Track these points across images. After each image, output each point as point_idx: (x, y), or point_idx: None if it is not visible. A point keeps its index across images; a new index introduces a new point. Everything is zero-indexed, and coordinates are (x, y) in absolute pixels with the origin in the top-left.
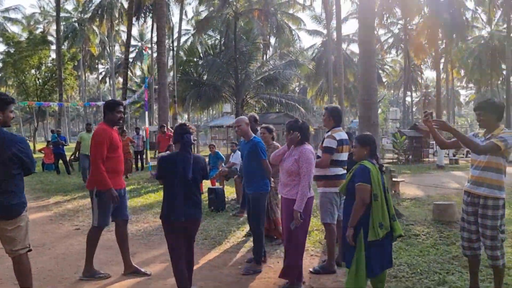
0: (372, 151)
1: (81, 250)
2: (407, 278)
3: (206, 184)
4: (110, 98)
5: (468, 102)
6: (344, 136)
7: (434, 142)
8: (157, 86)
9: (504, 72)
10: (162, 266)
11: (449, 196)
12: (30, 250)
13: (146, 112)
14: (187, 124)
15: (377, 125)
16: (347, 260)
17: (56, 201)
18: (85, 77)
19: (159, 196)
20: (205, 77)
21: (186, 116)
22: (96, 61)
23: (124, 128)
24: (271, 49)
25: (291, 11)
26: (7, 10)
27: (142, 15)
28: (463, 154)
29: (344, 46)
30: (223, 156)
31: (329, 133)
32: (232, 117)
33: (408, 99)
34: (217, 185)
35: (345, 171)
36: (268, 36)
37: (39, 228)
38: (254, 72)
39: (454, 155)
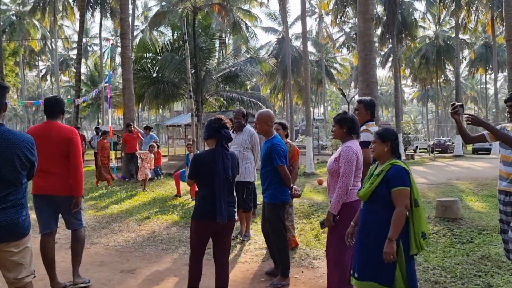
0: (394, 148)
1: (68, 269)
2: (449, 283)
3: (184, 187)
4: (69, 98)
5: (412, 99)
6: None
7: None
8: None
9: (447, 71)
10: (171, 284)
11: (423, 191)
12: (34, 277)
13: (109, 110)
14: (223, 118)
15: (378, 120)
16: (385, 279)
17: None
18: (23, 74)
19: (134, 201)
20: (162, 74)
21: (136, 115)
22: (37, 57)
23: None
24: (230, 46)
25: (246, 7)
26: None
27: (90, 8)
28: (413, 150)
29: (297, 43)
30: None
31: (363, 127)
32: (188, 115)
33: (357, 97)
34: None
35: None
36: (224, 33)
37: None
38: (214, 69)
39: (404, 150)
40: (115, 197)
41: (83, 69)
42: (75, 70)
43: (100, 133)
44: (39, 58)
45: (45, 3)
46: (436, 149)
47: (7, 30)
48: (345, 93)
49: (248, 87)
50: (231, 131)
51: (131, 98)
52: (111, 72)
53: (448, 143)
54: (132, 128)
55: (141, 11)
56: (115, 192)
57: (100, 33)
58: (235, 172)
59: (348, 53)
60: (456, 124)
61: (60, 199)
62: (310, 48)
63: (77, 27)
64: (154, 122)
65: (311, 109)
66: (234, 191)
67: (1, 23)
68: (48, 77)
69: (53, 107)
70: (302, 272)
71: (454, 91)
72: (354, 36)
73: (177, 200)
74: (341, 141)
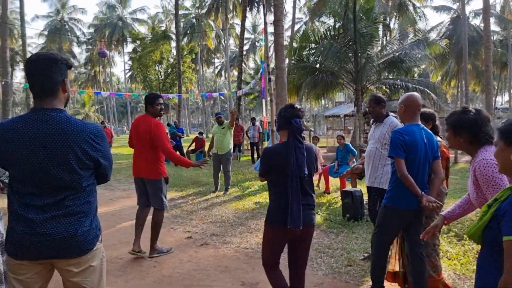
0: None
1: (192, 271)
2: None
3: (334, 183)
4: (225, 91)
5: None
6: None
7: None
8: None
9: None
10: None
11: None
12: None
13: (263, 100)
14: (296, 106)
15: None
16: None
17: (170, 198)
18: (202, 71)
19: None
20: (320, 63)
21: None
22: (213, 55)
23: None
24: (395, 30)
25: None
26: (134, 11)
27: (255, 5)
28: None
29: (476, 21)
30: (355, 150)
31: None
32: (349, 105)
33: None
34: (348, 185)
35: None
36: (388, 16)
37: (147, 233)
38: (375, 55)
39: None
40: (262, 190)
41: (252, 64)
42: (242, 64)
43: (254, 124)
44: (215, 55)
45: (218, 4)
46: None
47: (188, 31)
48: None
49: (416, 74)
50: (371, 121)
51: (284, 88)
52: (264, 62)
53: None
54: None
55: (304, 2)
56: (264, 186)
57: (265, 27)
58: (311, 169)
59: None
60: None
61: (146, 181)
62: (493, 26)
63: (246, 25)
64: (313, 113)
65: (493, 97)
66: (312, 191)
67: (183, 26)
68: (222, 72)
69: (145, 102)
70: None
71: None
72: None
73: (324, 197)
74: (468, 154)
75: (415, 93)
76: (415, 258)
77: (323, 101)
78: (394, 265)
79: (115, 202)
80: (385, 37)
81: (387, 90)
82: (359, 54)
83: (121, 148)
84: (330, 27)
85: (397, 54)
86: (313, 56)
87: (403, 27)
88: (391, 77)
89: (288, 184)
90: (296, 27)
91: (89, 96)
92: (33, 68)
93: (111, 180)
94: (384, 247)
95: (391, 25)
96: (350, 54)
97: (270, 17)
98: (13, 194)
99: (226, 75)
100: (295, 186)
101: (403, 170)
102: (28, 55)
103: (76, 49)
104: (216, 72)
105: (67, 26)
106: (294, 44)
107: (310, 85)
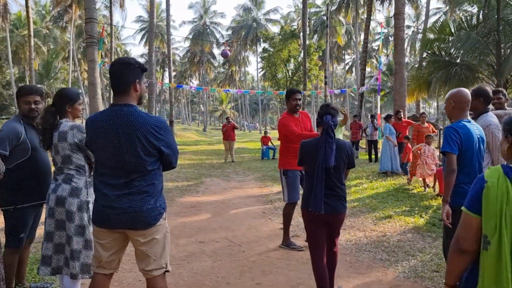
0: None
1: (274, 259)
2: None
3: None
4: (354, 87)
5: None
6: None
7: None
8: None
9: None
10: None
11: None
12: (167, 271)
13: (378, 96)
14: (329, 105)
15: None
16: None
17: (279, 191)
18: (332, 68)
19: (387, 195)
20: (453, 56)
21: (435, 103)
22: (343, 51)
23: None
24: None
25: None
26: (267, 12)
27: None
28: None
29: None
30: None
31: None
32: None
33: None
34: None
35: None
36: None
37: (247, 222)
38: None
39: None
40: (370, 189)
41: (384, 60)
42: (370, 60)
43: (373, 121)
44: (345, 52)
45: (349, 0)
46: None
47: (318, 29)
48: None
49: None
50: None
51: (403, 84)
52: (382, 57)
53: None
54: (401, 116)
55: None
56: (372, 183)
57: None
58: (340, 162)
59: None
60: None
61: None
62: None
63: (379, 19)
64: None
65: None
66: (342, 184)
67: (313, 24)
68: (353, 69)
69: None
70: None
71: None
72: None
73: (436, 200)
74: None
75: (464, 89)
76: None
77: None
78: None
79: (228, 192)
80: None
81: None
82: (503, 45)
83: (247, 143)
84: (469, 16)
85: None
86: (447, 49)
87: None
88: None
89: (315, 174)
90: (433, 18)
91: (226, 94)
92: (111, 71)
93: (230, 171)
94: None
95: None
96: (494, 43)
97: (408, 10)
98: (96, 174)
99: (356, 71)
100: (320, 176)
101: (453, 165)
102: (174, 58)
103: (216, 51)
104: (346, 68)
105: (208, 30)
106: (431, 36)
107: (441, 80)
